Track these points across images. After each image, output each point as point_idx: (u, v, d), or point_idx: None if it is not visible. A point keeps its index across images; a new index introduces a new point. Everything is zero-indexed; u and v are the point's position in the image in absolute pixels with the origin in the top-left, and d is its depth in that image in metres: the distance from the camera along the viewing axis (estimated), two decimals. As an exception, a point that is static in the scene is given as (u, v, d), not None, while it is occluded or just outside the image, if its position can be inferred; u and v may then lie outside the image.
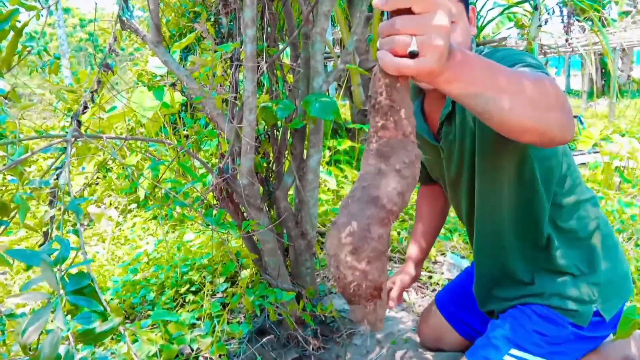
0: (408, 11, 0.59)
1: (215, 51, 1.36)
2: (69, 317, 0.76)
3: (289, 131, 1.75)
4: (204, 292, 2.03)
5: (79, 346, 0.65)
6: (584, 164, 4.07)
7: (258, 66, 1.46)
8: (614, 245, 1.34)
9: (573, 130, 0.82)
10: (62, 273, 0.68)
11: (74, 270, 0.70)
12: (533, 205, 1.25)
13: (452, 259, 2.42)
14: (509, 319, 1.31)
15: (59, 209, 0.85)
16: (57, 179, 0.93)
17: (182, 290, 2.12)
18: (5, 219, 0.93)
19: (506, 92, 0.70)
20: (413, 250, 1.68)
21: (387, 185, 0.62)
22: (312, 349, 1.68)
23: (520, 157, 1.18)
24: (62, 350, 0.67)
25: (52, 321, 0.65)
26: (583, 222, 1.29)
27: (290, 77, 1.81)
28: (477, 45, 1.41)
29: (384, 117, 0.63)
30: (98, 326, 0.62)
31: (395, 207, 0.62)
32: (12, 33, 0.92)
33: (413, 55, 0.59)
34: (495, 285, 1.40)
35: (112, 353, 1.65)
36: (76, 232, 0.77)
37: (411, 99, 1.17)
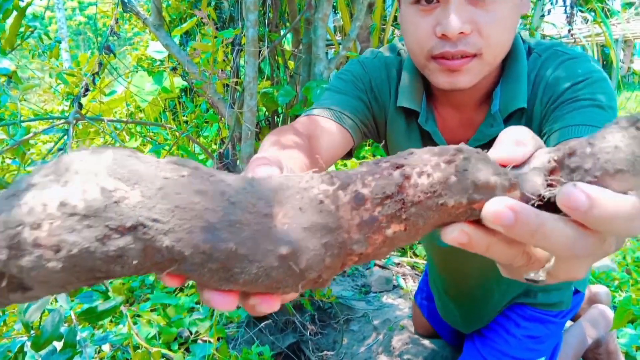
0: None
1: (216, 37, 1.35)
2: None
3: (289, 117, 1.75)
4: (203, 277, 2.04)
5: (79, 327, 0.66)
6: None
7: (259, 51, 1.45)
8: None
9: None
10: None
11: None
12: None
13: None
14: (499, 330, 1.28)
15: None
16: (59, 160, 0.93)
17: (181, 274, 2.13)
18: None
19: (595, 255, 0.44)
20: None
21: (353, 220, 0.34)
22: (310, 334, 1.69)
23: None
24: (63, 330, 0.68)
25: (51, 303, 0.66)
26: None
27: (291, 63, 1.81)
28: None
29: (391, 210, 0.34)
30: (100, 305, 0.62)
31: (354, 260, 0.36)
32: (14, 13, 0.92)
33: (530, 280, 0.36)
34: (479, 317, 1.32)
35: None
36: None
37: (414, 100, 0.93)
